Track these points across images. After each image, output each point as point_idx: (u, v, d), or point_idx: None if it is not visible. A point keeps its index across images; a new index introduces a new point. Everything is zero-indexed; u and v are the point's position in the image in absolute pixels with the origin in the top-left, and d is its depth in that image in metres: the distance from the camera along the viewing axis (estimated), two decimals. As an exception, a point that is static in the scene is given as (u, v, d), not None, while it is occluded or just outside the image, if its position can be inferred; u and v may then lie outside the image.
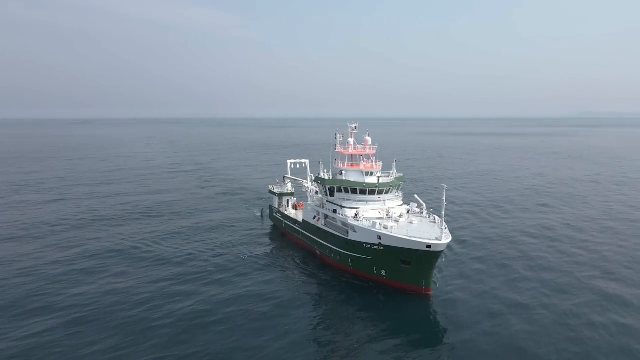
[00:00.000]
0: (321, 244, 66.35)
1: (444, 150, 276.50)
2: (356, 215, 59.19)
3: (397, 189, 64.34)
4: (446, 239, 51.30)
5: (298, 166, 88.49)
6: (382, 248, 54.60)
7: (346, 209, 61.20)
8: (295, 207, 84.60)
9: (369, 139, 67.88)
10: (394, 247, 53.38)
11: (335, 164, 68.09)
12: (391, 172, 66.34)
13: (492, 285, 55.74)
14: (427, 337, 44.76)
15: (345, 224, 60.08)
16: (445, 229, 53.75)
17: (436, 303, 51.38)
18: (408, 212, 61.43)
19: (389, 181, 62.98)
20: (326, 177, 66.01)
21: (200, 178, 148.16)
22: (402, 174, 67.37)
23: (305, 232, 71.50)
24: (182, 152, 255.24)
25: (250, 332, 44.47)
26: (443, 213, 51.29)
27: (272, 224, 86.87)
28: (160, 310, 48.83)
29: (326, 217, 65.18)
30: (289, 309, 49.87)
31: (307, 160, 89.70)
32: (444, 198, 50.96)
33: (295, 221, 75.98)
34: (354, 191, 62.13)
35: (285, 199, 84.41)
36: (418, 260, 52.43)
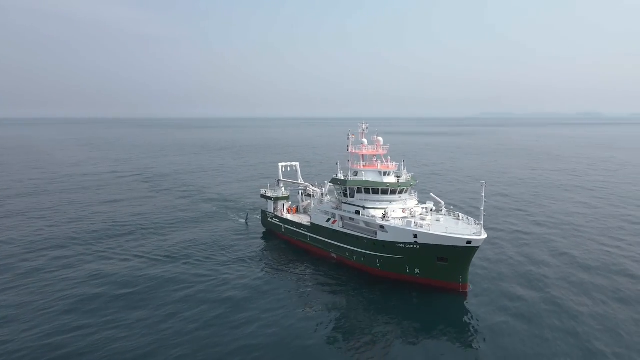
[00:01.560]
0: (339, 246, 65.03)
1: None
2: (384, 215, 58.84)
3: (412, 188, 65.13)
4: (484, 234, 52.65)
5: (289, 169, 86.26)
6: (418, 247, 54.71)
7: (370, 210, 60.61)
8: (288, 211, 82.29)
9: (380, 139, 67.87)
10: (431, 244, 53.70)
11: (349, 164, 67.35)
12: (403, 171, 66.80)
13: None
14: (470, 334, 45.13)
15: (371, 224, 59.49)
16: (478, 224, 55.38)
17: (473, 299, 52.43)
18: (431, 210, 62.25)
19: (408, 181, 63.41)
20: (344, 179, 64.83)
21: (155, 184, 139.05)
22: (412, 174, 68.19)
23: (315, 236, 69.69)
24: (116, 154, 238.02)
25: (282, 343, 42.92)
26: (482, 209, 52.49)
27: (265, 229, 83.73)
28: None
29: (345, 218, 64.10)
30: (320, 318, 48.32)
31: (298, 163, 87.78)
32: (484, 194, 52.20)
33: (300, 225, 73.80)
34: (376, 191, 61.74)
35: (280, 203, 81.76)
36: (456, 256, 53.23)
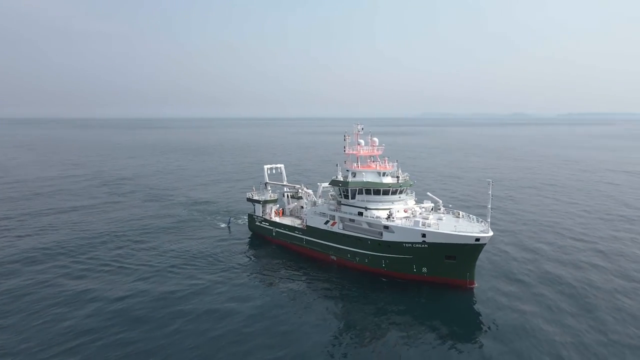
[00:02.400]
0: (339, 248, 64.68)
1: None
2: (389, 216, 59.18)
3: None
4: (491, 231, 54.29)
5: (274, 171, 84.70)
6: (426, 246, 55.50)
7: (373, 211, 60.76)
8: (277, 214, 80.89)
9: (376, 139, 68.17)
10: (440, 243, 54.66)
11: (346, 166, 67.12)
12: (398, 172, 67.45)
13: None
14: (478, 328, 46.45)
15: (375, 225, 59.65)
16: (481, 221, 57.26)
17: (480, 294, 54.00)
18: (432, 209, 63.30)
19: (407, 181, 64.09)
20: (344, 180, 64.39)
21: (116, 188, 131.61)
22: (406, 174, 68.94)
23: (312, 239, 68.89)
24: (63, 156, 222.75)
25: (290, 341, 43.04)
26: (489, 206, 54.16)
27: (251, 234, 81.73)
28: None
29: (345, 220, 63.84)
30: (327, 320, 48.14)
31: (282, 165, 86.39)
32: (490, 192, 53.86)
33: (293, 228, 72.69)
34: (377, 192, 61.97)
35: (269, 206, 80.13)
36: (464, 254, 54.52)
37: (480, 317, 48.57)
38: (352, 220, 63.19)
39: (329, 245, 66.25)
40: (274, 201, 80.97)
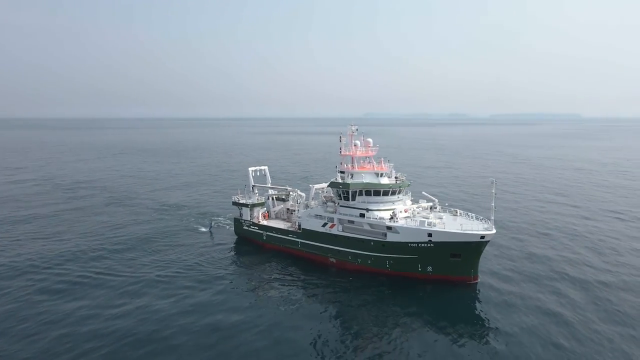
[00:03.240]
0: (339, 250, 64.44)
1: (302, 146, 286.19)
2: (392, 217, 59.68)
3: None
4: (494, 229, 56.20)
5: (258, 173, 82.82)
6: (432, 245, 56.54)
7: (375, 212, 61.01)
8: (265, 217, 79.34)
9: (370, 140, 68.40)
10: (446, 242, 55.87)
11: (341, 167, 66.96)
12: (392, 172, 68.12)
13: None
14: (483, 322, 48.07)
15: (378, 226, 59.93)
16: (482, 219, 59.18)
17: (484, 289, 55.90)
18: (431, 208, 64.46)
19: (404, 181, 64.83)
20: (345, 182, 63.91)
21: (75, 193, 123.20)
22: (399, 173, 69.69)
23: (308, 242, 68.12)
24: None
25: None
26: (493, 205, 56.01)
27: (236, 238, 79.53)
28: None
29: (345, 222, 63.63)
30: (331, 322, 48.25)
31: (266, 167, 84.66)
32: (494, 191, 55.72)
33: (287, 232, 71.54)
34: (377, 193, 62.26)
35: (256, 209, 78.28)
36: (469, 251, 56.10)
37: (485, 311, 50.10)
38: (352, 222, 63.10)
39: (327, 247, 65.83)
40: (262, 204, 79.29)
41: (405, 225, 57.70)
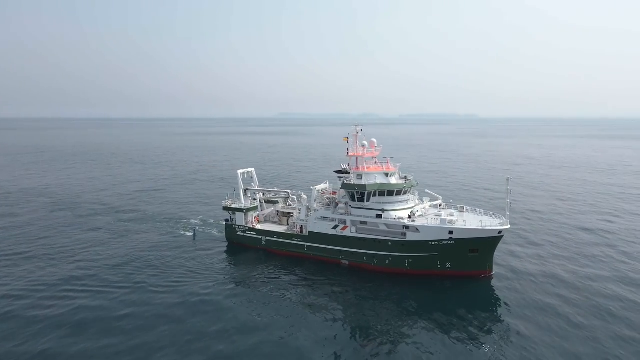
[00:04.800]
0: (352, 252, 63.94)
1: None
2: (410, 216, 60.57)
3: None
4: (509, 223, 59.25)
5: (246, 176, 79.33)
6: (453, 242, 58.25)
7: (391, 212, 61.47)
8: (256, 221, 76.37)
9: (374, 140, 68.64)
10: (466, 239, 57.89)
11: (349, 168, 66.60)
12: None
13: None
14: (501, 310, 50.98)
15: (396, 226, 60.38)
16: (493, 214, 62.21)
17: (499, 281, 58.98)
18: (439, 205, 66.28)
19: (411, 180, 65.95)
20: (360, 184, 63.26)
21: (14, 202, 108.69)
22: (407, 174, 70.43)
23: (317, 245, 66.76)
24: None
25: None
26: (508, 200, 58.90)
27: (227, 244, 75.61)
28: None
29: (358, 223, 63.31)
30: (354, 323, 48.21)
31: (253, 169, 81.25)
32: (509, 187, 58.64)
33: (291, 235, 69.46)
34: (391, 193, 62.74)
35: (250, 214, 74.95)
36: (487, 246, 58.65)
37: (504, 302, 52.57)
38: (365, 223, 62.98)
39: (339, 250, 65.02)
40: (255, 208, 76.14)
41: (426, 224, 58.75)
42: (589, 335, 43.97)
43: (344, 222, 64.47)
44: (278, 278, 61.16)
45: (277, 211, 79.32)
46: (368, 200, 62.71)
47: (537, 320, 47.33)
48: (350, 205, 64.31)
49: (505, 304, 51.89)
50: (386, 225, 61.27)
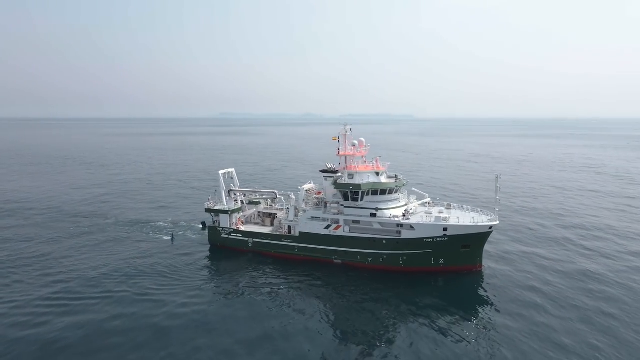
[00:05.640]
0: (345, 252, 63.95)
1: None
2: (405, 214, 61.56)
3: None
4: (498, 219, 61.72)
5: (227, 176, 77.00)
6: (447, 239, 59.87)
7: (385, 210, 62.14)
8: (241, 223, 74.44)
9: (363, 139, 68.99)
10: (459, 235, 59.69)
11: (339, 167, 66.64)
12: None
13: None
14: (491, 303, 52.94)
15: (391, 224, 61.10)
16: (480, 211, 64.60)
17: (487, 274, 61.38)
18: (427, 203, 67.76)
19: (402, 179, 67.02)
20: (355, 183, 63.25)
21: None
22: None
23: (308, 245, 66.12)
24: None
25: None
26: (498, 197, 61.28)
27: (209, 246, 73.05)
28: None
29: (350, 222, 63.43)
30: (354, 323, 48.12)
31: (233, 169, 78.97)
32: (499, 185, 60.99)
33: (280, 237, 68.27)
34: (384, 192, 63.41)
35: (234, 215, 72.79)
36: (477, 241, 60.81)
37: (493, 295, 54.53)
38: (358, 222, 63.24)
39: (331, 250, 64.80)
40: (239, 209, 74.09)
41: (422, 222, 59.92)
42: (570, 324, 46.03)
43: (337, 222, 64.33)
44: (267, 282, 59.24)
45: (259, 212, 77.75)
46: (362, 199, 62.95)
47: (523, 311, 48.99)
48: (343, 205, 64.24)
49: (494, 296, 53.83)
50: (380, 223, 61.81)
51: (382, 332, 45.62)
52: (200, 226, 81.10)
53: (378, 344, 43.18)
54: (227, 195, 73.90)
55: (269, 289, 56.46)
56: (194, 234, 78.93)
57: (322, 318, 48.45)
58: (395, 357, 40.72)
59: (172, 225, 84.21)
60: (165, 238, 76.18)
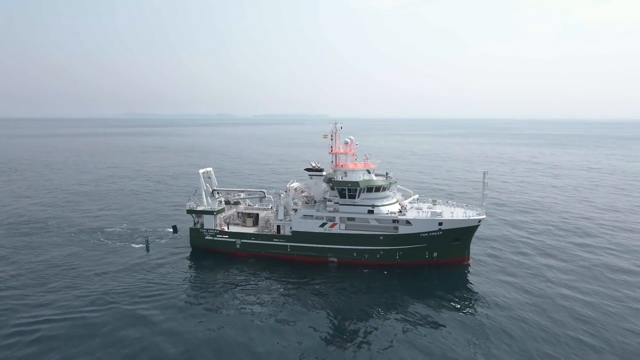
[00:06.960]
0: (341, 249, 64.09)
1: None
2: (401, 210, 63.15)
3: None
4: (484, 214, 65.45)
5: (205, 175, 73.09)
6: (441, 233, 62.49)
7: (381, 207, 63.29)
8: (225, 224, 71.36)
9: (352, 138, 69.36)
10: (452, 229, 62.58)
11: (332, 166, 66.65)
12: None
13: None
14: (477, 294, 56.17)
15: (387, 220, 62.35)
16: (466, 205, 68.12)
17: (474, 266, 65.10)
18: (417, 200, 69.92)
19: (392, 177, 68.53)
20: (353, 181, 63.38)
21: None
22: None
23: (302, 244, 65.15)
24: None
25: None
26: (485, 192, 64.83)
27: (189, 250, 69.08)
28: None
29: (346, 219, 63.72)
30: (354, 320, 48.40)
31: (211, 168, 75.10)
32: (485, 181, 64.55)
33: (271, 237, 66.49)
34: (378, 189, 64.46)
35: (219, 216, 69.40)
36: (467, 235, 64.18)
37: (480, 285, 57.70)
38: (353, 219, 63.73)
39: (326, 248, 64.57)
40: (223, 210, 70.82)
41: (418, 217, 61.86)
42: (548, 310, 49.69)
43: (332, 220, 64.20)
44: (257, 285, 57.36)
45: (239, 212, 75.07)
46: (358, 196, 63.46)
47: (507, 301, 52.02)
48: (338, 202, 64.25)
49: (479, 286, 56.93)
50: (377, 220, 62.76)
51: (377, 328, 45.92)
52: (171, 230, 76.45)
53: (372, 339, 43.58)
54: (210, 195, 70.26)
55: (265, 295, 54.11)
56: (164, 239, 73.95)
57: (317, 320, 47.60)
58: (391, 348, 41.53)
59: (124, 229, 77.69)
60: (136, 246, 70.18)
